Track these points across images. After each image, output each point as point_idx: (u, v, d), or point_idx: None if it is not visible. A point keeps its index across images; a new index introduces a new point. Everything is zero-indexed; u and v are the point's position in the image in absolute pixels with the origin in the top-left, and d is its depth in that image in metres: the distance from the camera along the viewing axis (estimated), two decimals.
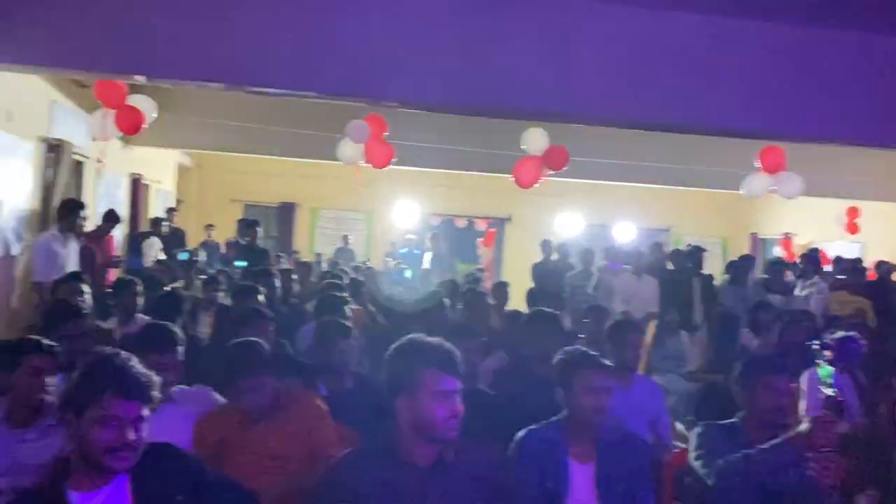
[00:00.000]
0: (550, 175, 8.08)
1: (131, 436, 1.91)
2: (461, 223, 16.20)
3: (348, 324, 3.67)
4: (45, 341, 2.72)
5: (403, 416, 2.14)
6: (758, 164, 7.91)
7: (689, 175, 10.29)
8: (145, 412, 1.96)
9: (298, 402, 2.90)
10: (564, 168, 7.94)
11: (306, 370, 3.42)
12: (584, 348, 2.86)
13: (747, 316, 6.33)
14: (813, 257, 8.30)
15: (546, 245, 9.67)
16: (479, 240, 16.10)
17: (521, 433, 2.75)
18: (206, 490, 2.13)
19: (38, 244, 6.10)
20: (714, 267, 11.66)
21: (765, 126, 5.03)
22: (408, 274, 11.01)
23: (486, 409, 3.20)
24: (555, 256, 9.38)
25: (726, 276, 8.46)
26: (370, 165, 8.05)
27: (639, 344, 4.02)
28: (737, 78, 4.76)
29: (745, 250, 12.69)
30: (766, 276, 8.12)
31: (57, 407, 2.11)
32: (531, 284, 7.92)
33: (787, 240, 12.59)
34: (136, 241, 9.33)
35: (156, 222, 9.92)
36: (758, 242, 13.87)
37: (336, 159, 8.10)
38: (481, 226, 16.00)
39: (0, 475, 2.50)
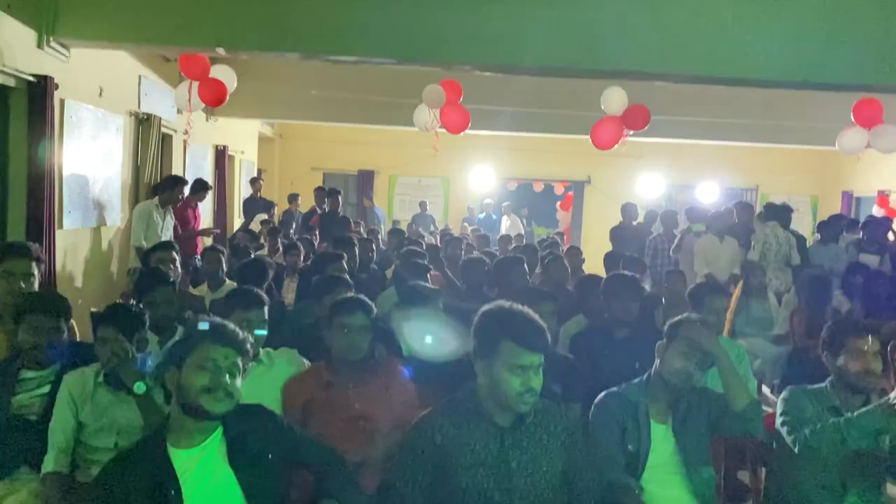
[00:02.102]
0: (631, 135, 7.89)
1: (226, 380, 2.02)
2: (539, 187, 16.05)
3: (433, 287, 3.73)
4: (135, 307, 2.86)
5: (482, 379, 2.18)
6: (853, 117, 7.52)
7: (777, 131, 9.87)
8: (240, 362, 2.08)
9: (381, 365, 2.97)
10: (645, 128, 7.73)
11: (388, 334, 3.49)
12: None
13: (839, 278, 6.08)
14: None
15: (626, 208, 9.49)
16: (558, 203, 15.93)
17: (601, 395, 2.74)
18: (295, 449, 2.22)
19: (138, 212, 6.54)
20: (804, 226, 11.23)
21: (861, 78, 4.77)
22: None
23: (565, 373, 3.20)
24: (637, 220, 9.20)
25: (817, 236, 8.12)
26: (446, 131, 8.05)
27: (720, 307, 3.92)
28: (832, 29, 4.52)
29: (837, 209, 12.14)
30: (859, 235, 7.76)
31: (156, 367, 2.23)
32: (611, 248, 7.80)
33: (883, 197, 11.94)
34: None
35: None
36: (851, 200, 13.22)
37: (413, 126, 8.12)
38: (559, 189, 15.80)
39: (103, 435, 2.67)
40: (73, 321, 3.07)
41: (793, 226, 7.51)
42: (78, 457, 2.70)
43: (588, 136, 7.89)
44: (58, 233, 5.23)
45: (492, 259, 5.74)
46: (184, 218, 7.39)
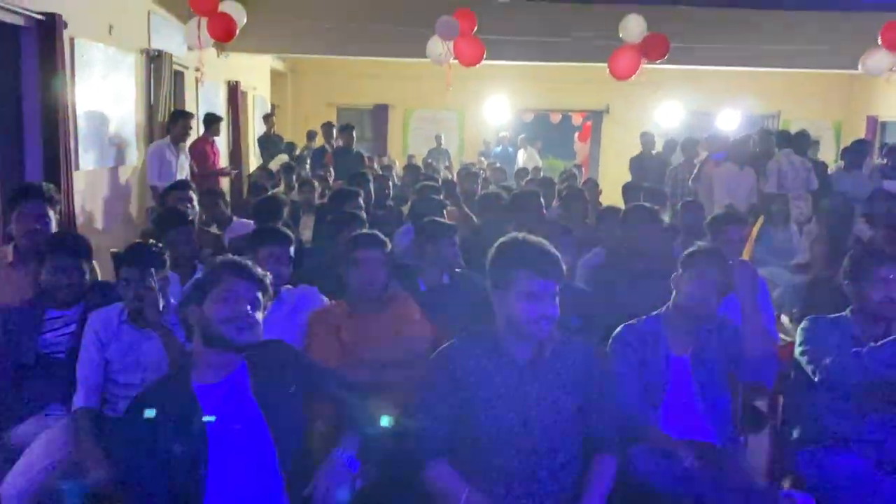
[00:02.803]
0: (649, 64, 7.70)
1: (248, 310, 2.06)
2: (556, 118, 15.81)
3: (449, 223, 3.73)
4: (155, 246, 2.88)
5: (498, 312, 2.20)
6: (880, 40, 7.28)
7: (798, 56, 9.59)
8: (261, 297, 2.11)
9: (397, 301, 3.00)
10: (664, 57, 7.54)
11: (404, 270, 3.50)
12: None
13: (862, 205, 5.99)
14: None
15: (646, 137, 9.35)
16: (576, 134, 15.71)
17: (620, 328, 2.75)
18: (316, 382, 2.26)
19: (151, 151, 6.49)
20: (827, 153, 11.02)
21: None
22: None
23: (583, 306, 3.20)
24: (656, 149, 9.07)
25: (840, 163, 7.97)
26: (460, 63, 7.89)
27: (738, 237, 3.89)
28: None
29: (861, 134, 11.87)
30: (884, 161, 7.60)
31: (179, 303, 2.26)
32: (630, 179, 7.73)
33: None
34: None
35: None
36: (875, 125, 12.91)
37: (426, 58, 7.97)
38: (577, 120, 15.55)
39: (129, 371, 2.72)
40: (94, 262, 3.11)
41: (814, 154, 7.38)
42: (106, 392, 2.76)
43: (606, 64, 7.72)
44: (74, 174, 5.25)
45: (508, 193, 5.69)
46: (203, 155, 7.37)
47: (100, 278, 3.23)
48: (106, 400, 2.76)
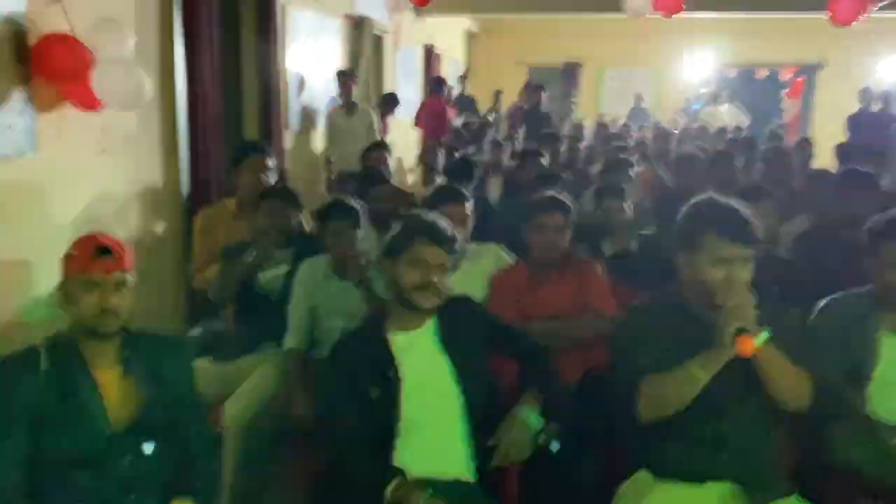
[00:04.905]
0: (875, 11, 6.93)
1: (435, 278, 2.14)
2: (762, 73, 14.72)
3: (623, 186, 3.62)
4: (350, 203, 3.06)
5: (685, 275, 2.14)
6: None
7: None
8: (449, 261, 2.18)
9: (581, 265, 2.98)
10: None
11: (589, 232, 3.47)
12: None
13: None
14: None
15: (865, 93, 8.46)
16: (784, 91, 14.55)
17: (823, 301, 2.56)
18: (500, 339, 2.32)
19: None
20: None
21: None
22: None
23: (784, 275, 3.01)
24: (876, 106, 8.20)
25: None
26: (659, 15, 7.54)
27: None
28: None
29: None
30: None
31: (377, 256, 2.41)
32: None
33: None
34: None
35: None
36: None
37: (622, 12, 7.70)
38: (786, 75, 14.39)
39: (333, 318, 2.94)
40: (302, 214, 3.37)
41: None
42: (314, 335, 3.00)
43: (824, 14, 7.04)
44: (284, 133, 5.67)
45: (706, 154, 5.42)
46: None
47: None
48: (313, 342, 3.00)
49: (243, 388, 2.88)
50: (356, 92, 6.63)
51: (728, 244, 2.02)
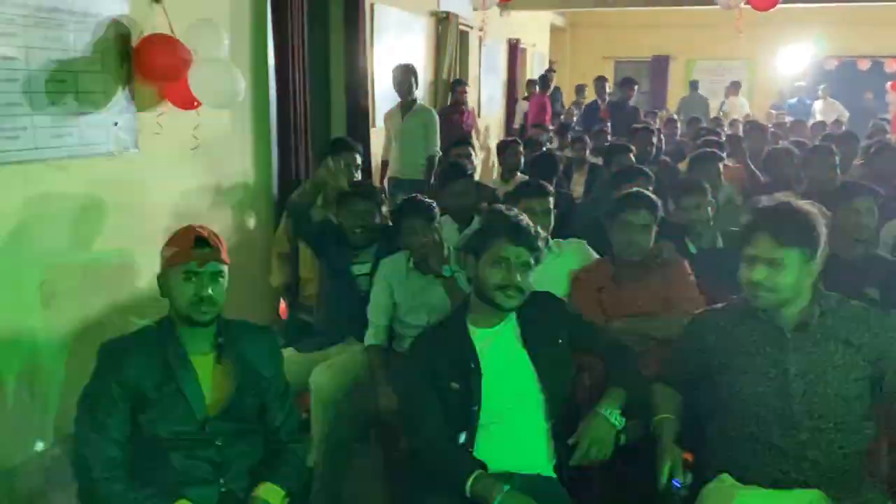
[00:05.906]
0: None
1: (517, 278, 2.14)
2: (864, 65, 14.01)
3: (704, 184, 3.48)
4: (424, 199, 3.10)
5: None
6: None
7: None
8: (531, 260, 2.17)
9: (666, 263, 2.91)
10: None
11: (677, 230, 3.38)
12: None
13: None
14: None
15: None
16: (889, 84, 13.80)
17: None
18: (582, 336, 2.31)
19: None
20: None
21: None
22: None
23: (886, 276, 2.86)
24: None
25: None
26: (752, 7, 7.28)
27: None
28: None
29: None
30: None
31: (459, 252, 2.42)
32: None
33: None
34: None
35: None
36: None
37: (713, 4, 7.48)
38: (892, 66, 13.64)
39: (416, 313, 2.96)
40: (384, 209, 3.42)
41: None
42: (394, 330, 3.05)
43: None
44: (371, 130, 5.74)
45: (801, 149, 5.20)
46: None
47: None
48: (394, 336, 3.06)
49: (331, 362, 2.97)
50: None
51: (767, 246, 1.98)
